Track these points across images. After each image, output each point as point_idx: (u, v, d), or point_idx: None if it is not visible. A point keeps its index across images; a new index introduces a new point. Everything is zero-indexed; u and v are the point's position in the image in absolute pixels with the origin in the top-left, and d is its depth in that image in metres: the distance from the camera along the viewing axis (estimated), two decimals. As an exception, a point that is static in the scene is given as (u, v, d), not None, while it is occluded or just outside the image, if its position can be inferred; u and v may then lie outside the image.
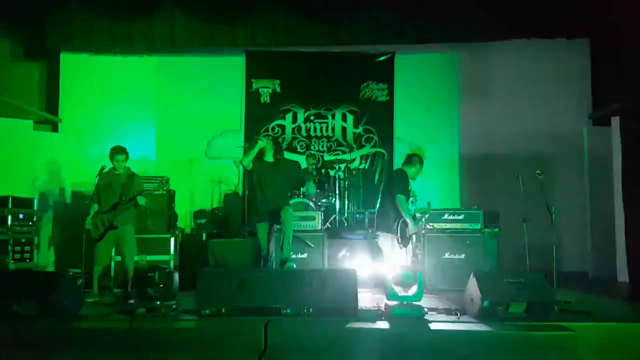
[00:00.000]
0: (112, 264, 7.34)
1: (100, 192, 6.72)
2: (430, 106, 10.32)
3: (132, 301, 5.97)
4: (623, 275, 7.45)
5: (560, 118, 9.87)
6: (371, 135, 10.35)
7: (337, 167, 9.21)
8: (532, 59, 10.06)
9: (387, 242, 6.23)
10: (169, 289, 5.56)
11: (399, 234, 6.01)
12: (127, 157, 6.79)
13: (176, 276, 5.67)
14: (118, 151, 6.74)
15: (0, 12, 8.59)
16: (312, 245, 7.49)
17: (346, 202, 9.02)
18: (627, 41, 6.96)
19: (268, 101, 10.37)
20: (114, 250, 7.02)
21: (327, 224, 8.47)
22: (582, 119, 9.78)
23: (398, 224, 6.01)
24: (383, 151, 10.31)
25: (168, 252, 7.72)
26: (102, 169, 6.78)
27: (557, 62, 10.07)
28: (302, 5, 9.30)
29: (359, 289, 5.43)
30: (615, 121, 8.03)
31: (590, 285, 8.37)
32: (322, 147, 10.32)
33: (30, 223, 7.88)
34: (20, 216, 7.72)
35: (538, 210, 6.36)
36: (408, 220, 6.02)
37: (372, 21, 9.38)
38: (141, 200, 6.55)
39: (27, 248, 7.75)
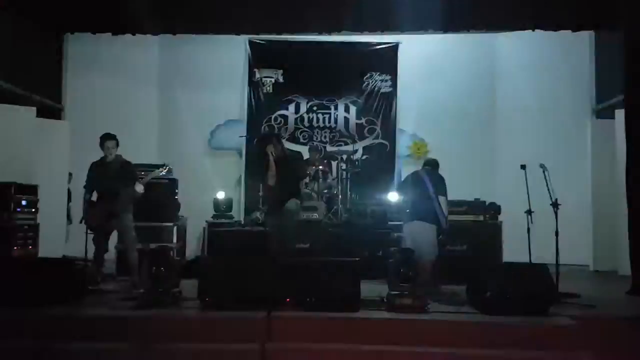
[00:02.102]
0: (115, 251, 7.38)
1: (95, 182, 6.71)
2: (434, 97, 10.30)
3: (135, 288, 5.99)
4: (625, 269, 7.44)
5: (564, 110, 9.85)
6: (374, 126, 10.34)
7: (339, 158, 9.23)
8: (536, 50, 10.03)
9: (427, 231, 6.55)
10: (172, 276, 5.58)
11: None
12: (117, 144, 6.74)
13: (179, 264, 5.71)
14: (107, 137, 6.71)
15: (4, -1, 8.55)
16: (315, 235, 7.53)
17: (348, 193, 9.03)
18: (632, 33, 6.92)
19: (271, 91, 10.36)
20: (116, 238, 7.05)
21: (330, 214, 8.49)
22: (586, 111, 9.75)
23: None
24: (385, 142, 10.30)
25: (171, 241, 7.74)
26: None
27: (561, 54, 10.04)
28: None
29: (361, 279, 5.46)
30: (620, 114, 8.00)
31: (592, 278, 8.39)
32: (325, 138, 10.32)
33: (34, 210, 7.88)
34: (24, 203, 7.71)
35: (541, 202, 6.36)
36: (446, 217, 6.66)
37: (376, 10, 9.32)
38: (138, 187, 6.53)
39: (30, 235, 7.75)
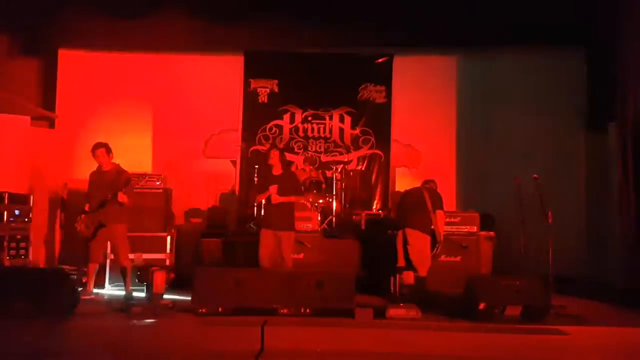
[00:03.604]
0: (107, 261, 7.34)
1: (91, 190, 6.69)
2: (428, 109, 10.35)
3: (128, 299, 5.97)
4: (618, 280, 7.48)
5: (557, 123, 9.88)
6: (368, 136, 10.35)
7: (334, 168, 9.24)
8: (529, 64, 10.06)
9: (421, 240, 6.70)
10: (166, 287, 5.57)
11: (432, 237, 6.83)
12: (107, 151, 6.62)
13: (172, 275, 5.70)
14: (96, 146, 6.63)
15: (-1, 8, 8.56)
16: (309, 246, 7.52)
17: (343, 203, 9.03)
18: (625, 48, 7.00)
19: (266, 101, 10.36)
20: (108, 247, 7.02)
21: (324, 224, 8.49)
22: (579, 124, 9.79)
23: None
24: (380, 153, 10.32)
25: (164, 251, 7.70)
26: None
27: (554, 67, 10.07)
28: (301, 7, 9.29)
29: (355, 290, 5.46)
30: (612, 127, 8.07)
31: (585, 289, 8.39)
32: (320, 148, 10.32)
33: (26, 219, 7.83)
34: (16, 212, 7.67)
35: (534, 214, 6.38)
36: (442, 231, 6.84)
37: (371, 24, 9.39)
38: (121, 198, 6.41)
39: (22, 244, 7.70)
